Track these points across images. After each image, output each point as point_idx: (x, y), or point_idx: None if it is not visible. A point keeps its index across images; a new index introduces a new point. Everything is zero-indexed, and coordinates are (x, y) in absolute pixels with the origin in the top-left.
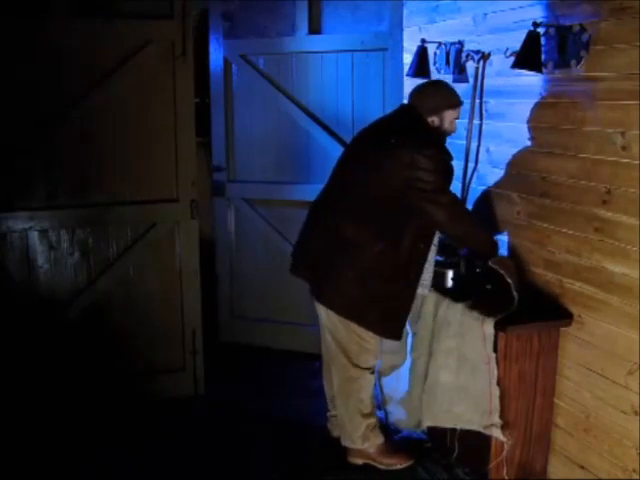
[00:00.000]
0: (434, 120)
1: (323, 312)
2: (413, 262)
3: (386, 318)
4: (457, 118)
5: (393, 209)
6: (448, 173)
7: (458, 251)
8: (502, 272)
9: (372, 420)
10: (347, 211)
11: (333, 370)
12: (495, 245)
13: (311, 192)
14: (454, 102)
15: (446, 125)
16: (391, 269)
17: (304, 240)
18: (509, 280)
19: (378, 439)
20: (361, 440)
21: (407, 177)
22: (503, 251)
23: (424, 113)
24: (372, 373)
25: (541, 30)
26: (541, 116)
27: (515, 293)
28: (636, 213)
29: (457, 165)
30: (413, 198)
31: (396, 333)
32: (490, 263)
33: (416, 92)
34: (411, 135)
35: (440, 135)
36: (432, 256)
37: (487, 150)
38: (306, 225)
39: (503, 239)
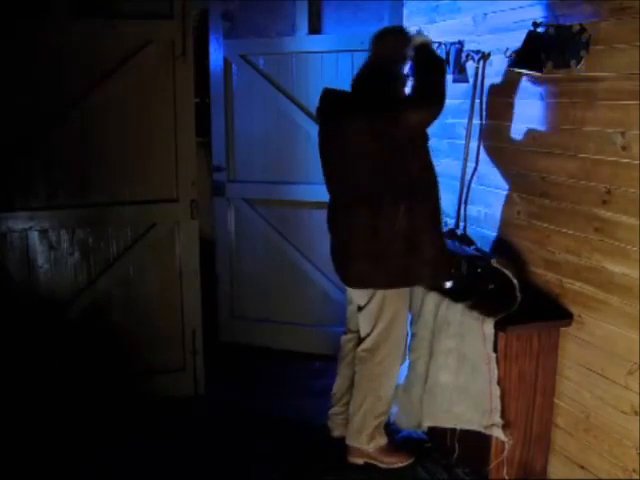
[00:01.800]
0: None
1: (376, 302)
2: (430, 204)
3: (436, 265)
4: None
5: (394, 167)
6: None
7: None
8: (506, 272)
9: (382, 419)
10: (360, 199)
11: (358, 367)
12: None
13: (311, 192)
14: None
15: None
16: (422, 220)
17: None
18: (514, 280)
19: (383, 439)
20: (367, 439)
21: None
22: (504, 251)
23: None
24: (397, 372)
25: (541, 30)
26: (541, 116)
27: (519, 294)
28: (636, 213)
29: (457, 165)
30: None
31: (449, 271)
32: (494, 263)
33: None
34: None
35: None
36: None
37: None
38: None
39: (504, 239)
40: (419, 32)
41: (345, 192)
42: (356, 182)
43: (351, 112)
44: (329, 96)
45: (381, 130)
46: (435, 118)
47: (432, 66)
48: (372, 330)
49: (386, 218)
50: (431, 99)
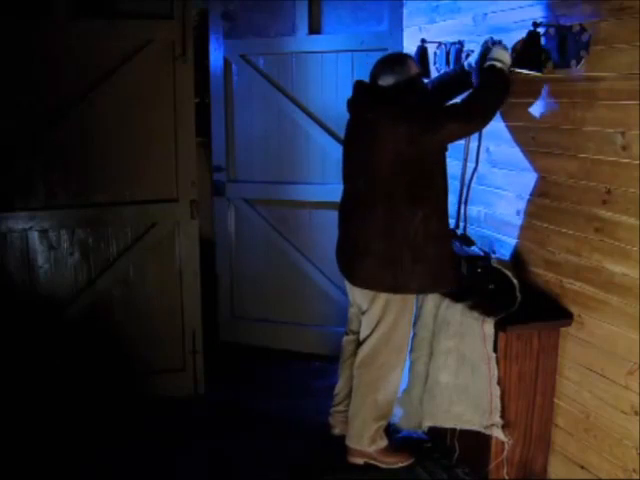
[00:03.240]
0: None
1: (378, 305)
2: (444, 213)
3: (441, 278)
4: None
5: (414, 176)
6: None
7: (459, 251)
8: (507, 273)
9: (383, 423)
10: (379, 197)
11: (357, 371)
12: (507, 81)
13: (311, 192)
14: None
15: None
16: (435, 228)
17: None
18: (514, 280)
19: (383, 442)
20: (369, 442)
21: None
22: (504, 251)
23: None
24: (398, 377)
25: (541, 30)
26: (541, 116)
27: (519, 294)
28: (636, 213)
29: (457, 165)
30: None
31: (456, 279)
32: (494, 263)
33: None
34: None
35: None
36: None
37: (487, 150)
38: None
39: (504, 239)
40: (499, 44)
41: (364, 188)
42: (378, 180)
43: (389, 110)
44: (363, 89)
45: (416, 134)
46: (470, 134)
47: (493, 86)
48: (371, 333)
49: (402, 222)
50: (474, 114)
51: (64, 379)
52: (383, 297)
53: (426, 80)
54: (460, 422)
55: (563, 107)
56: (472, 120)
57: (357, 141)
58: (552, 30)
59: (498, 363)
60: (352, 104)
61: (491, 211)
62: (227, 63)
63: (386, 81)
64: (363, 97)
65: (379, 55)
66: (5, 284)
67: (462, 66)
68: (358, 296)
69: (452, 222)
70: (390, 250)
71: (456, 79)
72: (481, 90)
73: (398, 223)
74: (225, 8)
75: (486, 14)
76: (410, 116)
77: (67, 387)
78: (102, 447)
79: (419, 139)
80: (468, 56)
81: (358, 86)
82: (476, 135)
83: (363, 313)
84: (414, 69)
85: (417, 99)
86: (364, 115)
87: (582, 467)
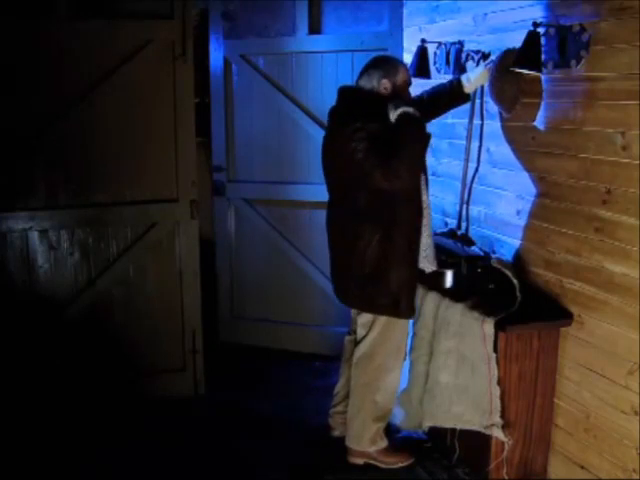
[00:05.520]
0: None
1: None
2: (411, 242)
3: (396, 300)
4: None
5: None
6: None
7: (459, 252)
8: (507, 273)
9: (382, 424)
10: (344, 213)
11: (354, 372)
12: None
13: (311, 192)
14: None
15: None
16: (393, 254)
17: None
18: (514, 280)
19: (384, 442)
20: (369, 443)
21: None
22: (504, 251)
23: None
24: (396, 378)
25: (541, 30)
26: (541, 116)
27: (519, 294)
28: (636, 213)
29: (458, 165)
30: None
31: (408, 311)
32: (494, 263)
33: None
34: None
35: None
36: (428, 231)
37: (488, 150)
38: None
39: (504, 239)
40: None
41: (334, 202)
42: (345, 194)
43: (346, 132)
44: (345, 95)
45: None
46: (402, 186)
47: (410, 135)
48: (367, 334)
49: (362, 240)
50: (401, 168)
51: (64, 379)
52: None
53: (420, 87)
54: (460, 422)
55: (563, 107)
56: (400, 173)
57: (325, 153)
58: (552, 30)
59: (498, 363)
60: (332, 112)
61: (491, 211)
62: (227, 63)
63: (362, 83)
64: (341, 104)
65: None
66: (5, 284)
67: (458, 79)
68: None
69: (453, 222)
70: (351, 266)
71: (450, 92)
72: (400, 138)
73: (358, 240)
74: (225, 8)
75: (486, 14)
76: (357, 152)
77: (67, 387)
78: (102, 447)
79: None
80: (468, 57)
81: (341, 93)
82: (477, 135)
83: (360, 313)
84: (398, 76)
85: (378, 127)
86: (336, 125)
87: (582, 467)
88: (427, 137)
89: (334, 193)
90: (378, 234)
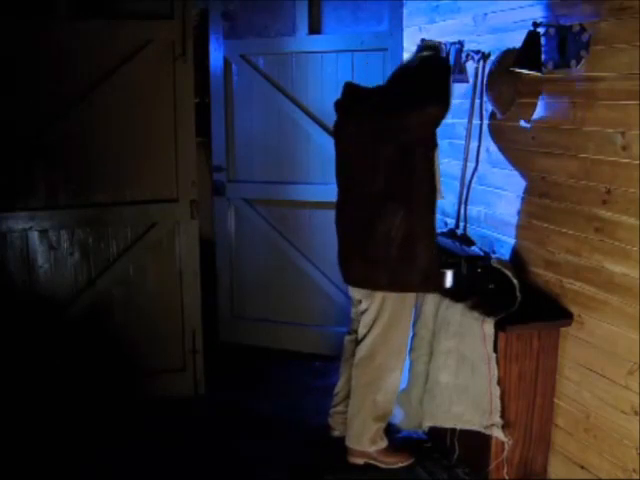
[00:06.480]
0: None
1: (375, 304)
2: (432, 218)
3: (427, 276)
4: None
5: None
6: None
7: (459, 253)
8: (507, 273)
9: (383, 423)
10: (363, 198)
11: (355, 372)
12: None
13: (311, 192)
14: None
15: None
16: (418, 227)
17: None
18: (514, 280)
19: (384, 442)
20: (369, 443)
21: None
22: (504, 251)
23: None
24: (397, 378)
25: (541, 30)
26: (541, 116)
27: (519, 294)
28: (636, 213)
29: (457, 165)
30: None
31: (439, 284)
32: (494, 263)
33: None
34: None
35: None
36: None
37: (487, 150)
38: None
39: (504, 239)
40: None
41: (350, 189)
42: (361, 181)
43: (362, 110)
44: (349, 91)
45: (387, 131)
46: (438, 119)
47: (435, 68)
48: (368, 333)
49: (384, 221)
50: (433, 100)
51: (64, 379)
52: (379, 295)
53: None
54: (460, 422)
55: (563, 107)
56: (432, 103)
57: (339, 142)
58: (552, 30)
59: (498, 363)
60: (338, 105)
61: (491, 211)
62: (227, 63)
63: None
64: (346, 98)
65: (379, 55)
66: (5, 284)
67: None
68: (356, 294)
69: (452, 222)
70: (374, 250)
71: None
72: (427, 74)
73: (381, 223)
74: (225, 8)
75: (486, 14)
76: (377, 113)
77: (67, 387)
78: (102, 447)
79: (389, 135)
80: (468, 57)
81: (346, 88)
82: (476, 135)
83: (362, 313)
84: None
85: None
86: (344, 116)
87: (582, 467)
88: (447, 67)
89: (350, 181)
90: (401, 213)
